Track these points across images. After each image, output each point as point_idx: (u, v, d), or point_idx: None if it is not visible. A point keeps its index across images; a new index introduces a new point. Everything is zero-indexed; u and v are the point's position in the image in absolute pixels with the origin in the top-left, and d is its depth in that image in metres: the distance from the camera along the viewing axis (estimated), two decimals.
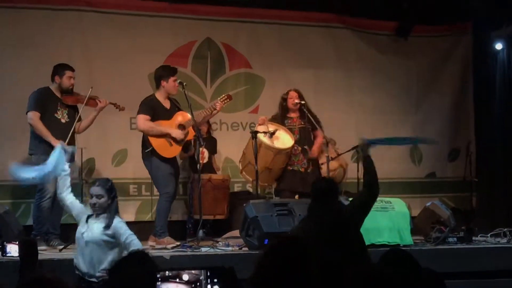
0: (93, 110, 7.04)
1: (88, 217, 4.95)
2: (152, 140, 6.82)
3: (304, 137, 7.37)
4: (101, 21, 8.35)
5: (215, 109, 7.13)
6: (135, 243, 4.85)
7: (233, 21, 8.98)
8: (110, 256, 4.87)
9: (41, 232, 6.73)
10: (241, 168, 7.51)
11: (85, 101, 6.91)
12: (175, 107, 7.06)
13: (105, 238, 4.86)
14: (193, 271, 2.80)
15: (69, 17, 8.19)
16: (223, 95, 7.33)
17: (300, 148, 7.31)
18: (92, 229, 4.88)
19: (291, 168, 7.31)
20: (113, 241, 4.87)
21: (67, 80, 6.90)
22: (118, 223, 4.92)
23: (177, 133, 6.88)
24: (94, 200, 4.90)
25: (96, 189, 4.92)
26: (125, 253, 4.74)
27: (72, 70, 6.98)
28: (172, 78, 6.95)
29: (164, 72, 7.02)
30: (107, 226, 4.86)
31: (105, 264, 4.84)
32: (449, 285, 3.22)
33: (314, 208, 4.80)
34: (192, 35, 8.77)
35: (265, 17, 9.08)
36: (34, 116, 6.73)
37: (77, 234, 4.96)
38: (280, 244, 3.08)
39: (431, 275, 3.16)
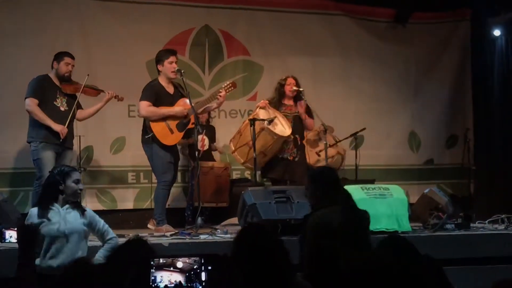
0: (96, 99, 7.05)
1: (44, 214, 4.68)
2: (153, 126, 6.81)
3: (297, 126, 7.33)
4: (99, 9, 8.32)
5: (217, 97, 6.96)
6: (111, 231, 4.85)
7: (231, 8, 8.95)
8: (85, 247, 4.79)
9: None
10: (233, 148, 7.38)
11: (81, 89, 6.88)
12: (179, 93, 7.02)
13: (83, 227, 4.75)
14: (187, 260, 2.77)
15: (67, 5, 8.17)
16: (228, 83, 7.20)
17: (292, 137, 7.26)
18: (69, 221, 4.68)
19: (280, 156, 7.28)
20: (87, 230, 4.78)
21: (64, 66, 6.83)
22: (90, 211, 4.87)
23: (179, 109, 6.86)
24: (81, 185, 4.82)
25: (79, 174, 4.85)
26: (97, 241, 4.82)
27: (72, 57, 6.91)
28: (167, 61, 6.90)
29: (160, 57, 6.99)
30: (83, 214, 4.75)
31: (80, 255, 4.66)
32: (447, 271, 3.22)
33: (328, 196, 4.43)
34: (190, 22, 8.75)
35: (263, 4, 9.06)
36: (31, 102, 6.69)
37: (51, 231, 4.63)
38: (245, 232, 3.13)
39: (429, 262, 3.16)
